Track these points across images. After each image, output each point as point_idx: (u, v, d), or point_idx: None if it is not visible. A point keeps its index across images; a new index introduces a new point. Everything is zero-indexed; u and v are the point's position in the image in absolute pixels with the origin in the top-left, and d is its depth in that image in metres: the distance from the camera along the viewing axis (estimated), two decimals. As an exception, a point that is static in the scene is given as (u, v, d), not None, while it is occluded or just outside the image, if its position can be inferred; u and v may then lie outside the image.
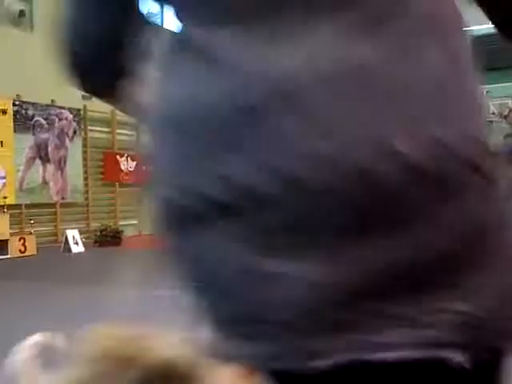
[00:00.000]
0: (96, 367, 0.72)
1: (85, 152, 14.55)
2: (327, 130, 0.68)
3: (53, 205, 13.65)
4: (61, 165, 13.80)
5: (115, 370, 0.69)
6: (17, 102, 12.76)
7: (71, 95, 14.06)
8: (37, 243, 11.31)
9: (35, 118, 13.21)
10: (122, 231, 13.24)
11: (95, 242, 12.63)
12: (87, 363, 0.72)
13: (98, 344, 0.72)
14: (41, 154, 13.37)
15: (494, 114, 20.09)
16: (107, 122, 15.30)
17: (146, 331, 0.74)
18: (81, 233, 12.15)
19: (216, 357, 0.70)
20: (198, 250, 0.77)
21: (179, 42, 0.81)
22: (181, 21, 0.81)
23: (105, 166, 15.10)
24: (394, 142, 0.68)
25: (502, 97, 20.18)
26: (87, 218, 14.44)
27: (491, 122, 19.33)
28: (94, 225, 13.89)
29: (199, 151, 0.74)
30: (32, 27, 13.60)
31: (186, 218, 0.76)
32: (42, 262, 10.04)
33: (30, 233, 11.50)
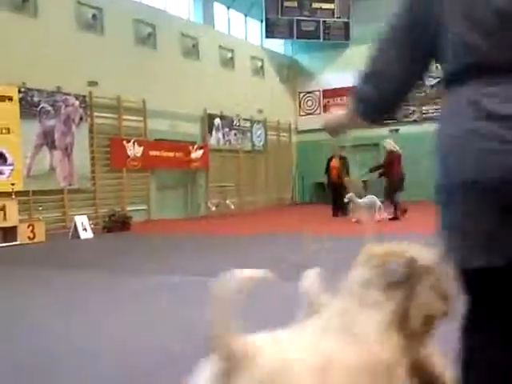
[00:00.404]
0: (371, 263, 1.51)
1: (91, 138, 14.58)
2: None
3: (60, 191, 13.71)
4: (67, 151, 13.83)
5: (383, 263, 1.47)
6: (22, 89, 12.76)
7: (76, 81, 14.14)
8: (46, 230, 11.37)
9: (41, 105, 13.22)
10: (131, 217, 13.28)
11: (103, 227, 12.69)
12: (366, 263, 1.53)
13: (369, 252, 1.55)
14: (48, 140, 13.40)
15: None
16: (113, 108, 15.30)
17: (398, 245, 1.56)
18: (89, 219, 12.20)
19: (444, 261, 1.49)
20: None
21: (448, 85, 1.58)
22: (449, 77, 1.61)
23: (111, 151, 15.12)
24: None
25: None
26: (95, 204, 14.50)
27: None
28: (102, 211, 13.95)
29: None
30: (36, 13, 13.56)
31: None
32: (51, 249, 10.11)
33: (39, 219, 11.56)
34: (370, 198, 12.78)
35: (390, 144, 13.56)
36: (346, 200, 12.81)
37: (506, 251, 1.45)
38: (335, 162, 14.73)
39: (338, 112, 2.24)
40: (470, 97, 1.51)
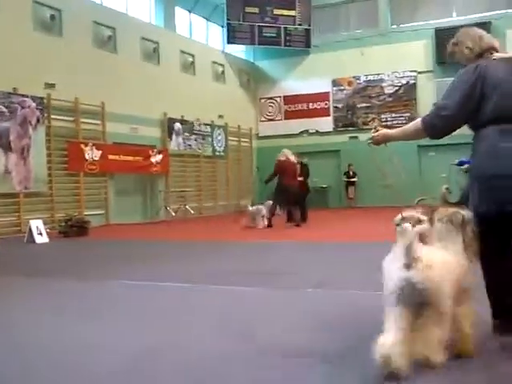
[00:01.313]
0: (446, 218, 3.10)
1: (48, 141, 14.30)
2: None
3: (16, 195, 13.40)
4: (23, 154, 13.52)
5: (451, 218, 3.07)
6: (-23, 90, 12.44)
7: (34, 83, 13.86)
8: (-1, 234, 11.10)
9: (-4, 106, 12.90)
10: (89, 221, 13.05)
11: (60, 232, 12.44)
12: (442, 218, 3.13)
13: (442, 212, 3.16)
14: (2, 142, 13.07)
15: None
16: (71, 111, 15.05)
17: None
18: (45, 223, 11.95)
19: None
20: None
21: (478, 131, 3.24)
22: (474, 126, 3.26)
23: (69, 155, 14.86)
24: None
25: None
26: (52, 209, 14.21)
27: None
28: (59, 215, 13.69)
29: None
30: (-7, 13, 13.25)
31: None
32: (4, 254, 9.85)
33: (-7, 224, 11.27)
34: (257, 206, 13.70)
35: (282, 154, 13.64)
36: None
37: (496, 205, 3.11)
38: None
39: (392, 130, 3.57)
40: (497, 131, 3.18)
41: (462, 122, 3.22)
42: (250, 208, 13.69)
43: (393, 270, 2.80)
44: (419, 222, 3.01)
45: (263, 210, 13.43)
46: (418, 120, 3.33)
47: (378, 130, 3.49)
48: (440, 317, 2.76)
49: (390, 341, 2.64)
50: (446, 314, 2.78)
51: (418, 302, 2.72)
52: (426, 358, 2.75)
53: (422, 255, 2.75)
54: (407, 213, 3.10)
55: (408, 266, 2.73)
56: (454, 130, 3.25)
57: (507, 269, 3.17)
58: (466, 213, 3.13)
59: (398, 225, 3.00)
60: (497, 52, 3.32)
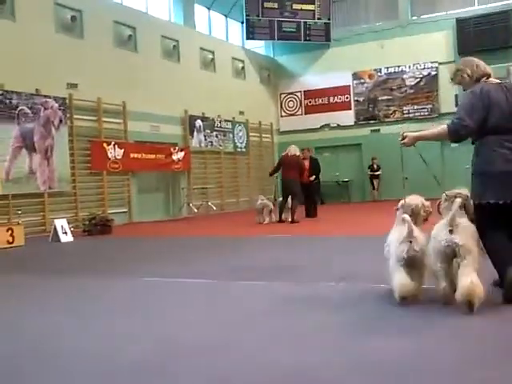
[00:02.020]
0: (452, 198, 4.24)
1: (71, 141, 14.44)
2: None
3: (40, 194, 13.57)
4: (47, 154, 13.69)
5: (455, 197, 4.23)
6: (0, 92, 12.61)
7: (56, 84, 14.01)
8: (25, 233, 11.23)
9: (20, 107, 13.06)
10: (112, 220, 13.17)
11: (84, 230, 12.57)
12: (450, 199, 4.27)
13: (448, 194, 4.33)
14: (27, 143, 13.25)
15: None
16: (93, 111, 15.18)
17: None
18: (69, 222, 12.09)
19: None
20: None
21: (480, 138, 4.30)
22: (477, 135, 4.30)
23: (92, 154, 15.00)
24: None
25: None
26: (75, 208, 14.37)
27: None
28: (83, 214, 13.83)
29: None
30: (14, 15, 13.40)
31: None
32: (30, 253, 9.98)
33: (18, 223, 11.41)
34: (262, 201, 13.58)
35: (289, 149, 13.69)
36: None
37: (495, 197, 4.11)
38: (306, 164, 14.62)
39: (418, 133, 4.47)
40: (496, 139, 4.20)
41: (475, 131, 4.22)
42: (258, 203, 13.63)
43: (440, 234, 4.05)
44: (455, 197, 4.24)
45: (270, 205, 13.49)
46: (445, 126, 4.29)
47: (404, 136, 4.41)
48: (473, 265, 3.91)
49: (446, 287, 4.04)
50: (476, 263, 3.95)
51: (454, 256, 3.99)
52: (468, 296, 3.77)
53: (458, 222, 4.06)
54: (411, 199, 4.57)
55: (451, 232, 3.99)
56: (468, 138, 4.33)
57: (500, 237, 4.21)
58: (467, 193, 4.30)
59: (445, 200, 4.33)
60: (490, 77, 4.36)
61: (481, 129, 4.18)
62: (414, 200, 4.55)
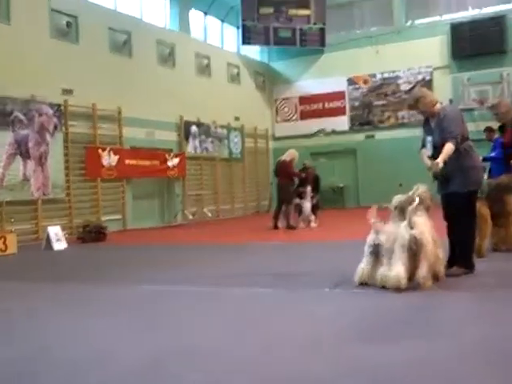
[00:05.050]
0: (415, 196, 5.32)
1: (66, 147, 14.38)
2: None
3: (34, 201, 13.50)
4: (42, 161, 13.62)
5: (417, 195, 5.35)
6: (-6, 98, 12.56)
7: (51, 90, 13.95)
8: (18, 241, 11.13)
9: (14, 114, 13.00)
10: (106, 227, 13.10)
11: (78, 238, 12.50)
12: (415, 196, 5.33)
13: (416, 193, 5.37)
14: (21, 150, 13.18)
15: (474, 100, 20.40)
16: (88, 117, 15.14)
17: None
18: (63, 229, 11.99)
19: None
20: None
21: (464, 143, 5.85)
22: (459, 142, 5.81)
23: (87, 161, 14.93)
24: None
25: (482, 83, 20.43)
26: (69, 214, 14.29)
27: (472, 109, 19.52)
28: (77, 221, 13.76)
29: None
30: (9, 20, 13.36)
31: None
32: (23, 261, 9.90)
33: (11, 231, 11.33)
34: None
35: (286, 154, 13.89)
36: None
37: (478, 185, 5.90)
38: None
39: (440, 158, 5.55)
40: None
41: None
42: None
43: (403, 230, 5.05)
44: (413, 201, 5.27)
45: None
46: (451, 144, 5.51)
47: (430, 168, 5.57)
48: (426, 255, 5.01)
49: (401, 270, 4.92)
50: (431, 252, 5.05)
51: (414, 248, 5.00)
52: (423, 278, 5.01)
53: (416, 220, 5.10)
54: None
55: (411, 228, 5.03)
56: None
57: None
58: (427, 192, 5.41)
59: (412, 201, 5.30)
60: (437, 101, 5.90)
61: (462, 137, 5.64)
62: (422, 189, 5.46)
